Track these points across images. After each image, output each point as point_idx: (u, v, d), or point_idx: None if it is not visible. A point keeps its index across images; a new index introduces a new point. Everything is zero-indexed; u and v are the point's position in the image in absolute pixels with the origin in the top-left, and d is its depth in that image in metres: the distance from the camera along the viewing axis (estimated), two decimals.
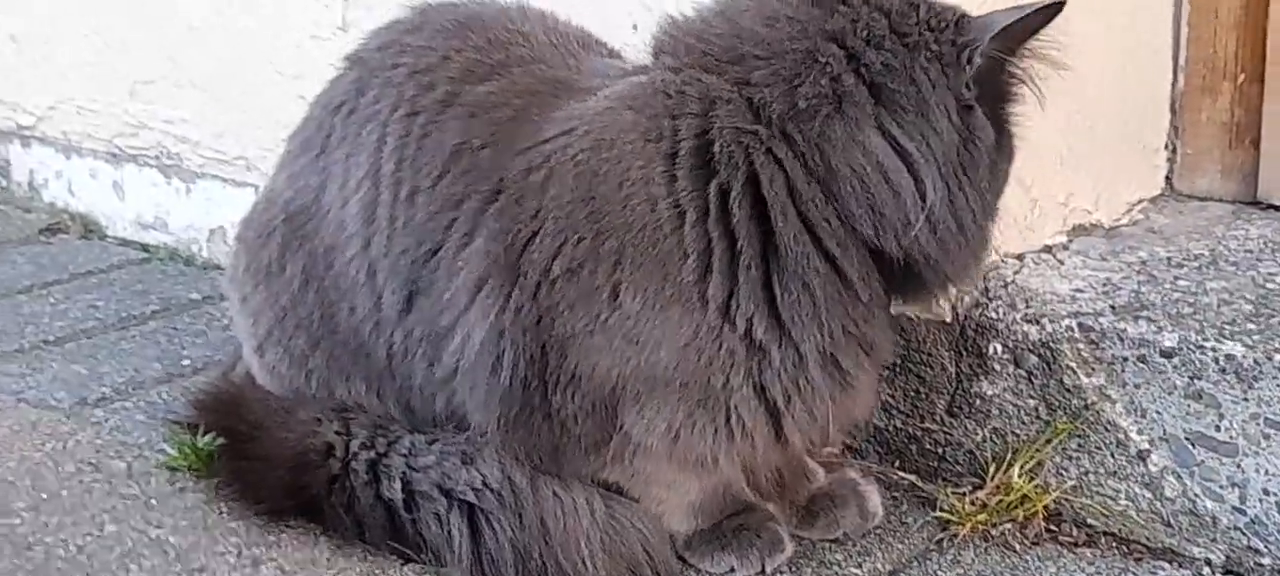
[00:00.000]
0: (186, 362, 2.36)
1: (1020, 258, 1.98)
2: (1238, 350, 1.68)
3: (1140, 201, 2.23)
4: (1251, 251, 2.01)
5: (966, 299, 1.87)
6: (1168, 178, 2.29)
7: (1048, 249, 2.02)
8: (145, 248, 2.93)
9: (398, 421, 1.80)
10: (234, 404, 1.90)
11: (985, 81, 1.54)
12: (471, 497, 1.71)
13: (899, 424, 1.95)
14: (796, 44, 1.53)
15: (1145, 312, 1.79)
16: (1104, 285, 1.90)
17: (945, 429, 1.91)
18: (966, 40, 1.53)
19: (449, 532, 1.71)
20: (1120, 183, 2.18)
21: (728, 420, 1.59)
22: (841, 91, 1.50)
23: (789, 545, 1.73)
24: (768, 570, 1.70)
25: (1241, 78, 2.19)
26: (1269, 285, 1.87)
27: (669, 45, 1.62)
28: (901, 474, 1.92)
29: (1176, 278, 1.92)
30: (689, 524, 1.72)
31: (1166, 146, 2.28)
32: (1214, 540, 1.71)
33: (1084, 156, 2.09)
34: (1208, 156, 2.25)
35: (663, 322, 1.54)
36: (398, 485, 1.75)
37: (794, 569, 1.72)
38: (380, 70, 1.78)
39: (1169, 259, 1.99)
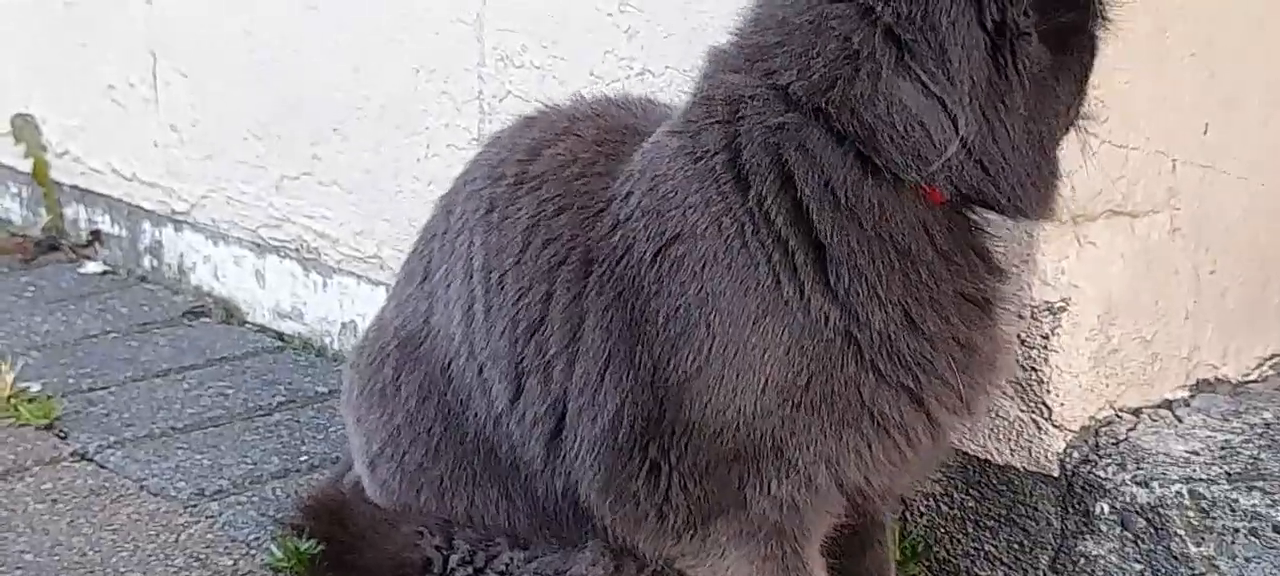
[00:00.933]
0: (304, 458, 2.41)
1: (1136, 413, 1.93)
2: None
3: (1274, 357, 2.16)
4: None
5: (1075, 455, 1.83)
6: None
7: (1168, 403, 1.97)
8: (280, 336, 3.01)
9: (506, 534, 1.81)
10: (339, 511, 1.94)
11: (1041, 6, 1.48)
12: None
13: (1001, 575, 1.90)
14: (806, 16, 1.51)
15: (1261, 482, 1.72)
16: (1222, 448, 1.84)
17: None
18: None
19: None
20: (1252, 337, 2.12)
21: (868, 420, 1.56)
22: (854, 49, 1.47)
23: None
24: None
25: None
26: None
27: (709, 59, 1.63)
28: None
29: None
30: None
31: None
32: None
33: (1212, 310, 2.03)
34: None
35: (760, 341, 1.53)
36: None
37: None
38: (461, 189, 1.84)
39: None
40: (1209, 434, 1.89)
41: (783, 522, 1.63)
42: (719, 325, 1.54)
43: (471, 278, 1.76)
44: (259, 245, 3.08)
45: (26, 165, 3.70)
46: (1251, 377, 2.11)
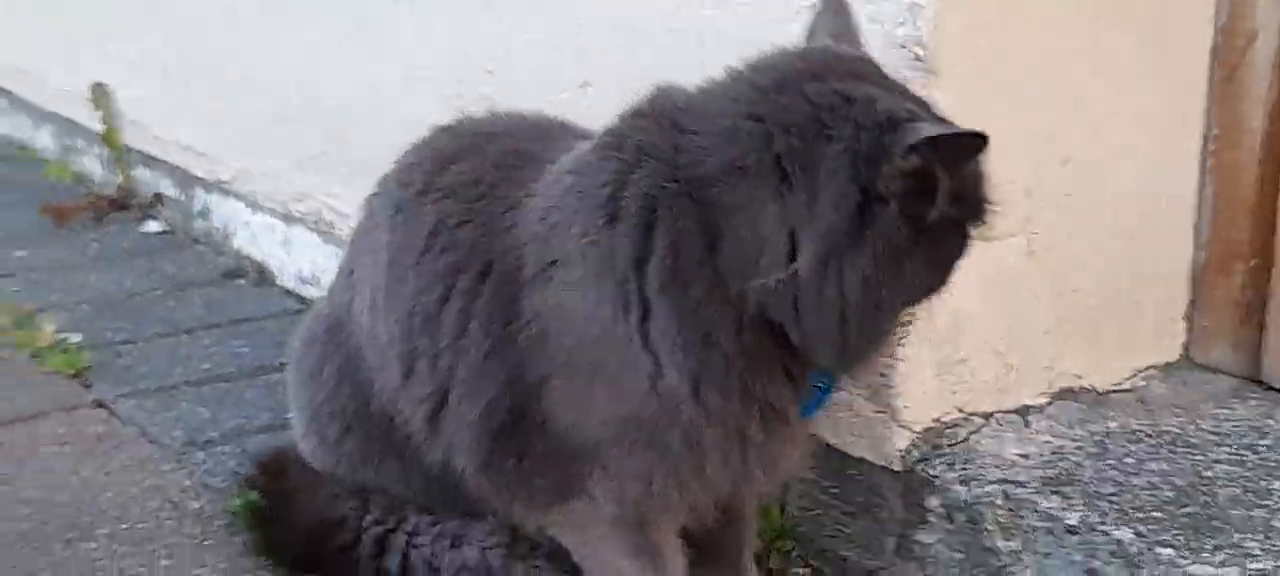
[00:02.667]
0: (292, 415, 2.70)
1: (988, 417, 2.13)
2: (1127, 536, 1.81)
3: (1149, 368, 2.34)
4: (1220, 433, 2.11)
5: (915, 453, 2.05)
6: (1186, 347, 2.39)
7: (1022, 410, 2.17)
8: (302, 299, 3.32)
9: (412, 502, 2.09)
10: (280, 470, 2.23)
11: (915, 188, 1.61)
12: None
13: (856, 556, 2.13)
14: (725, 117, 1.69)
15: (1066, 488, 1.93)
16: (1053, 454, 2.04)
17: (892, 568, 2.08)
18: (889, 140, 1.60)
19: None
20: (1121, 350, 2.30)
21: (666, 458, 1.77)
22: (745, 163, 1.65)
23: None
24: None
25: (1253, 262, 2.28)
26: (1207, 472, 1.98)
27: (651, 101, 1.79)
28: None
29: (1125, 454, 2.04)
30: None
31: (1185, 317, 2.38)
32: None
33: (1075, 325, 2.22)
34: (1221, 332, 2.34)
35: (596, 365, 1.76)
36: (397, 558, 2.05)
37: None
38: (380, 190, 2.11)
39: (1133, 432, 2.11)
40: (1047, 440, 2.08)
41: (634, 513, 1.87)
42: (569, 342, 1.78)
43: (379, 270, 2.02)
44: (287, 216, 3.40)
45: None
46: (1122, 387, 2.29)
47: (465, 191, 1.95)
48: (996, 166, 2.01)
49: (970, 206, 1.69)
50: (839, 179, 1.61)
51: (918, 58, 2.00)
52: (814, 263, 1.62)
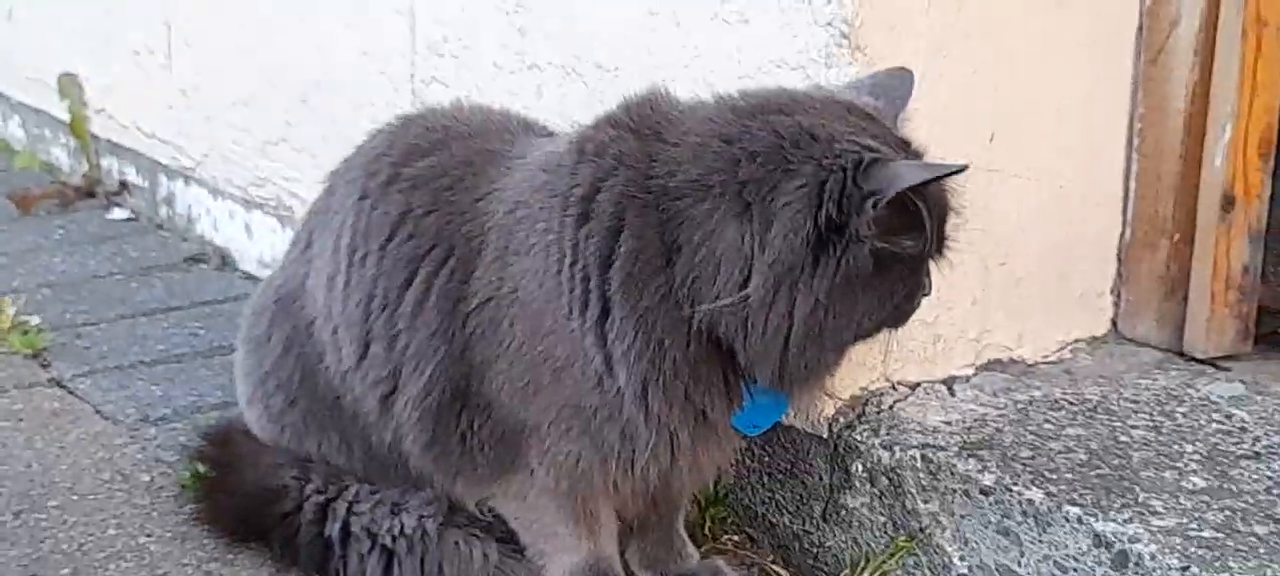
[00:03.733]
0: (237, 383, 2.75)
1: (915, 386, 2.19)
2: (1038, 496, 1.87)
3: (1077, 341, 2.40)
4: (1139, 402, 2.17)
5: (841, 420, 2.11)
6: (1114, 321, 2.45)
7: (949, 381, 2.23)
8: None
9: (352, 473, 2.14)
10: (226, 441, 2.28)
11: (887, 221, 1.68)
12: (390, 542, 2.05)
13: (786, 521, 2.19)
14: (700, 136, 1.76)
15: (984, 452, 1.99)
16: (975, 420, 2.10)
17: (820, 532, 2.14)
18: (865, 190, 1.65)
19: (366, 570, 2.05)
20: (1050, 322, 2.36)
21: (601, 447, 1.84)
22: (710, 184, 1.72)
23: None
24: None
25: (1176, 237, 2.34)
26: (1122, 438, 2.04)
27: (637, 106, 1.85)
28: (777, 569, 2.16)
29: (1045, 421, 2.10)
30: None
31: (1113, 291, 2.44)
32: None
33: (1003, 298, 2.28)
34: (1147, 305, 2.40)
35: (545, 353, 1.82)
36: (338, 525, 2.09)
37: None
38: (343, 174, 2.16)
39: (1055, 401, 2.17)
40: (970, 408, 2.14)
41: (572, 488, 1.93)
42: (520, 327, 1.84)
43: (339, 253, 2.07)
44: (247, 202, 3.45)
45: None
46: (1049, 359, 2.35)
47: (433, 183, 2.00)
48: (923, 142, 2.08)
49: (934, 241, 1.75)
50: (794, 212, 1.67)
51: (844, 36, 2.05)
52: (764, 291, 1.68)
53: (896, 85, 1.87)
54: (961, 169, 1.69)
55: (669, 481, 1.94)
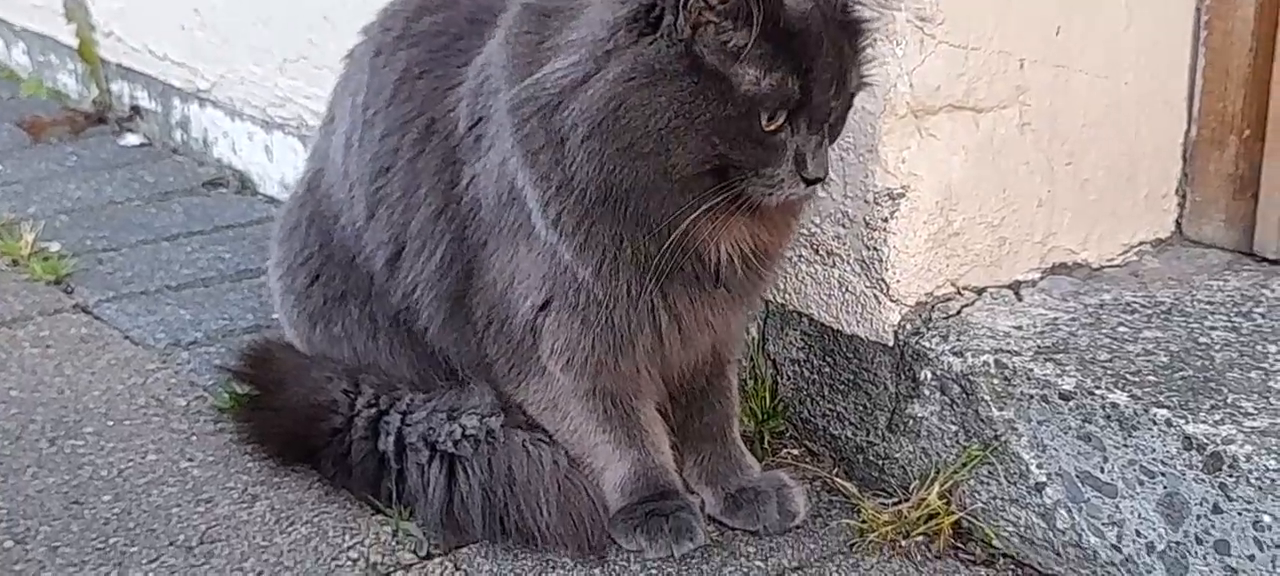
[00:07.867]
0: (277, 315, 2.67)
1: (981, 291, 2.11)
2: (1123, 399, 1.80)
3: (1142, 243, 2.32)
4: (1214, 303, 2.09)
5: (907, 327, 2.03)
6: (1178, 222, 2.37)
7: (1015, 285, 2.15)
8: None
9: (402, 381, 2.06)
10: (266, 359, 2.20)
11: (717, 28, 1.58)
12: (451, 448, 1.95)
13: (850, 434, 2.12)
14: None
15: (1060, 355, 1.91)
16: (1046, 325, 2.02)
17: (885, 443, 2.07)
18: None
19: (427, 480, 1.95)
20: (1116, 225, 2.28)
21: (597, 329, 1.80)
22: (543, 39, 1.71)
23: (701, 534, 1.92)
24: (676, 554, 1.89)
25: (1247, 133, 2.26)
26: (1201, 339, 1.97)
27: None
28: (842, 482, 2.09)
29: (1119, 324, 2.02)
30: (615, 499, 1.94)
31: (1177, 192, 2.36)
32: (1094, 574, 1.84)
33: (1070, 199, 2.20)
34: (1214, 205, 2.32)
35: (528, 232, 1.78)
36: (392, 439, 2.00)
37: (705, 555, 1.91)
38: (364, 38, 2.10)
39: (1127, 304, 2.09)
40: (1041, 312, 2.06)
41: (591, 384, 1.87)
42: (491, 202, 1.80)
43: (355, 110, 2.02)
44: (267, 123, 3.35)
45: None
46: (1114, 262, 2.27)
47: (432, 41, 1.95)
48: (991, 36, 1.99)
49: (795, 77, 1.60)
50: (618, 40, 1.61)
51: None
52: (577, 71, 1.63)
53: None
54: None
55: (667, 354, 1.86)
